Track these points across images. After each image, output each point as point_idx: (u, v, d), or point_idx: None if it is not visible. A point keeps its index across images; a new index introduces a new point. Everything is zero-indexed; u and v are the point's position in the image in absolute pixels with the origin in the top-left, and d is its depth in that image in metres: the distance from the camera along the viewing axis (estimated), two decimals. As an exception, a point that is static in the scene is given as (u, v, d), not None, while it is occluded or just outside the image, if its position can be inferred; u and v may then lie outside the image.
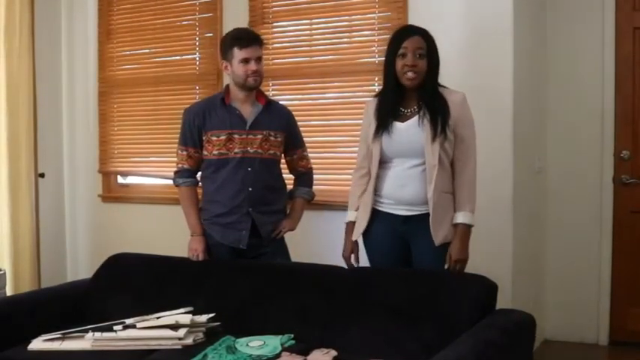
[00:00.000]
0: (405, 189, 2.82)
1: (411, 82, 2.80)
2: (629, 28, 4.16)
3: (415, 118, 2.80)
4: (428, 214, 2.77)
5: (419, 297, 2.68)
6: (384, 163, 2.88)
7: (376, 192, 2.91)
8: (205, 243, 3.24)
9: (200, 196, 3.32)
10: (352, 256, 2.99)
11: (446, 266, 2.77)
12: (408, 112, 2.84)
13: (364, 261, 3.03)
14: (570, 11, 4.25)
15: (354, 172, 3.05)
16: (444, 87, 2.87)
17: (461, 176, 2.81)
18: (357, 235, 2.97)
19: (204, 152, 3.21)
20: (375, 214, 2.92)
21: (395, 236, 2.89)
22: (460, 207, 2.79)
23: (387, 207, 2.89)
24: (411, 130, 2.80)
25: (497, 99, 3.68)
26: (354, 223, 2.99)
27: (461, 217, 2.77)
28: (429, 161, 2.75)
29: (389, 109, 2.86)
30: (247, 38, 3.12)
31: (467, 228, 2.79)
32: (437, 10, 3.78)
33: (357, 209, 2.98)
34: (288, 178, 3.44)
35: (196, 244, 3.22)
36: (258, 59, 3.12)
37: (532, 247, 4.15)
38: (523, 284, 3.92)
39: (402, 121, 2.83)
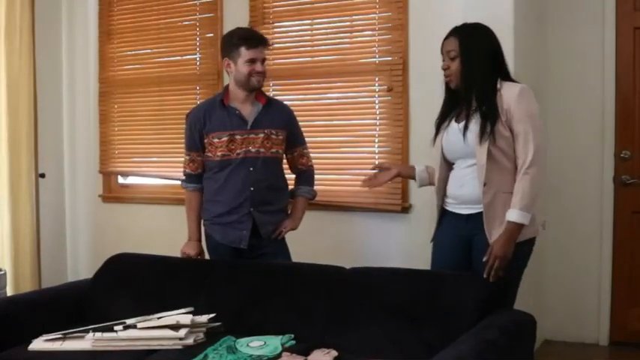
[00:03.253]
0: (463, 188, 2.81)
1: (451, 85, 2.83)
2: (629, 28, 4.16)
3: (470, 118, 2.77)
4: None
5: (420, 297, 2.68)
6: (449, 163, 2.89)
7: (444, 192, 2.91)
8: (199, 249, 3.26)
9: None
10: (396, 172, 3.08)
11: (484, 258, 2.66)
12: (464, 112, 2.81)
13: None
14: (571, 11, 4.25)
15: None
16: (509, 81, 2.80)
17: (518, 173, 2.70)
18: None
19: (208, 154, 3.21)
20: (443, 215, 2.93)
21: (458, 235, 2.86)
22: (512, 204, 2.68)
23: (452, 207, 2.88)
24: (461, 131, 2.78)
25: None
26: (413, 167, 3.12)
27: (508, 215, 2.67)
28: (479, 161, 2.72)
29: (442, 111, 2.90)
30: (256, 39, 3.14)
31: (515, 226, 2.65)
32: (437, 10, 3.79)
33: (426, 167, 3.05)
34: (290, 177, 3.43)
35: (189, 249, 3.25)
36: (263, 60, 3.15)
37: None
38: (523, 284, 3.91)
39: (459, 122, 2.82)
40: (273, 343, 2.65)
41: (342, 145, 4.14)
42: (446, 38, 2.85)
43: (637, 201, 4.18)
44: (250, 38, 3.13)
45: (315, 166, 3.45)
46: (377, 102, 4.03)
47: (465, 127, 2.76)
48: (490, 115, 2.69)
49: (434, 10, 3.79)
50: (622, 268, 4.21)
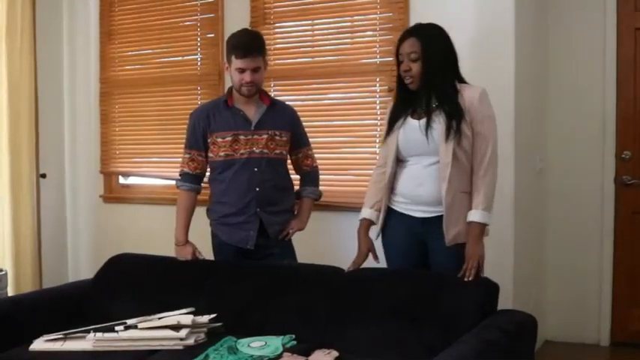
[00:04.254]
0: (422, 188, 2.80)
1: (411, 86, 2.82)
2: (630, 28, 4.16)
3: (431, 116, 2.77)
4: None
5: (421, 298, 2.67)
6: (401, 161, 2.88)
7: (392, 190, 2.90)
8: (193, 248, 3.24)
9: (208, 198, 3.32)
10: (370, 254, 2.96)
11: (460, 274, 2.69)
12: (423, 110, 2.81)
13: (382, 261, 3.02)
14: (572, 12, 4.25)
15: (375, 169, 3.04)
16: (464, 83, 2.84)
17: (477, 173, 2.75)
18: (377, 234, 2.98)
19: (210, 154, 3.20)
20: (391, 213, 2.92)
21: (412, 238, 2.87)
22: (474, 205, 2.73)
23: (403, 207, 2.87)
24: (424, 128, 2.77)
25: (499, 100, 3.66)
26: (368, 220, 2.97)
27: (472, 216, 2.72)
28: (443, 159, 2.72)
29: (395, 110, 2.89)
30: (244, 49, 3.05)
31: (479, 226, 2.72)
32: (438, 10, 3.78)
33: (372, 207, 2.96)
34: (295, 178, 3.43)
35: (185, 254, 3.23)
36: (256, 69, 3.08)
37: (533, 248, 4.15)
38: (524, 285, 3.92)
39: (417, 119, 2.82)
40: (274, 343, 2.66)
41: (342, 146, 4.13)
42: (404, 40, 2.83)
43: (638, 201, 4.19)
44: (238, 48, 3.06)
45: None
46: (378, 103, 4.03)
47: (428, 125, 2.75)
48: (455, 114, 2.71)
49: (434, 10, 3.78)
50: (623, 268, 4.21)
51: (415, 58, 2.77)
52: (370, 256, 2.99)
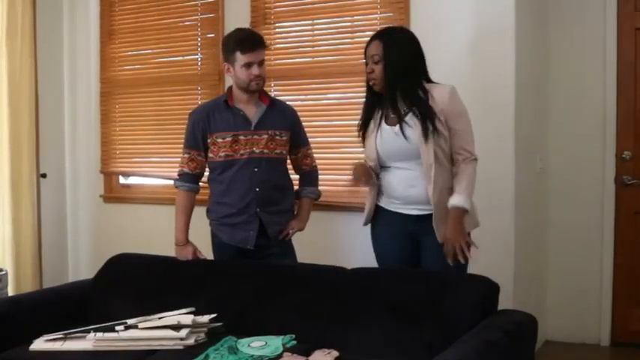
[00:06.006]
0: (413, 189, 2.82)
1: (375, 88, 2.85)
2: (630, 28, 4.16)
3: (404, 121, 2.79)
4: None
5: (421, 297, 2.67)
6: (385, 167, 2.90)
7: (379, 192, 2.93)
8: (193, 247, 3.25)
9: (207, 198, 3.32)
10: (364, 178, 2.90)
11: (444, 250, 2.73)
12: (394, 115, 2.83)
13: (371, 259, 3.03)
14: (572, 12, 4.25)
15: None
16: (432, 82, 2.85)
17: (458, 167, 2.79)
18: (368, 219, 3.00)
19: (210, 155, 3.20)
20: (380, 212, 2.94)
21: (405, 236, 2.89)
22: (455, 190, 2.76)
23: (395, 207, 2.89)
24: (400, 134, 2.79)
25: (499, 99, 3.68)
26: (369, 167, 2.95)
27: (452, 199, 2.74)
28: (425, 160, 2.75)
29: (365, 114, 2.93)
30: (250, 42, 3.07)
31: (460, 211, 2.73)
32: (438, 10, 3.79)
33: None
34: (294, 178, 3.43)
35: (186, 254, 3.23)
36: (261, 63, 3.10)
37: (534, 248, 4.15)
38: (525, 285, 3.92)
39: (392, 125, 2.84)
40: (274, 343, 2.66)
41: (342, 146, 4.13)
42: (369, 42, 2.87)
43: (638, 201, 4.19)
44: (244, 42, 3.07)
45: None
46: (378, 102, 4.03)
47: (402, 130, 2.77)
48: (428, 115, 2.73)
49: (435, 10, 3.79)
50: (623, 268, 4.21)
51: (377, 60, 2.80)
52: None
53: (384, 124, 2.87)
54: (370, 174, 2.92)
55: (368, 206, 3.00)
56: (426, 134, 2.73)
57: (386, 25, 2.92)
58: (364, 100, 2.97)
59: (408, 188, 2.83)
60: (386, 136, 2.85)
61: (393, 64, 2.78)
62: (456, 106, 2.80)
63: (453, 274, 2.77)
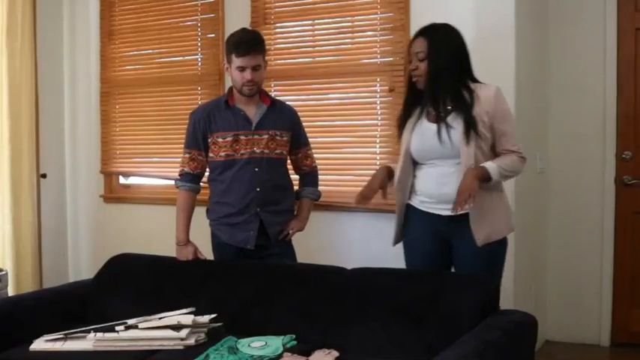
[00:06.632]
0: (446, 187, 2.76)
1: (418, 85, 2.82)
2: (631, 28, 4.17)
3: (446, 120, 2.75)
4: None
5: (421, 297, 2.67)
6: (418, 164, 2.87)
7: (412, 190, 2.89)
8: (194, 247, 3.24)
9: (207, 198, 3.32)
10: (381, 191, 2.86)
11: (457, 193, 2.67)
12: (436, 112, 2.79)
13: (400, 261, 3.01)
14: (572, 12, 4.25)
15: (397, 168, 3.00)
16: (478, 82, 2.82)
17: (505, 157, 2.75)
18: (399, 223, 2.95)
19: (211, 154, 3.20)
20: (412, 213, 2.90)
21: (436, 237, 2.85)
22: (497, 160, 2.72)
23: (427, 206, 2.85)
24: (440, 133, 2.76)
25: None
26: (388, 167, 2.92)
27: (487, 163, 2.69)
28: (465, 162, 2.70)
29: (405, 110, 2.90)
30: (245, 46, 3.04)
31: (485, 172, 2.66)
32: (438, 10, 3.78)
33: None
34: (294, 178, 3.44)
35: (186, 254, 3.23)
36: (256, 67, 3.07)
37: (534, 248, 4.15)
38: (525, 285, 3.92)
39: (432, 122, 2.80)
40: (274, 343, 2.66)
41: (343, 146, 4.13)
42: (414, 39, 2.85)
43: (638, 201, 4.19)
44: (238, 46, 3.05)
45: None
46: (378, 103, 4.03)
47: (440, 128, 2.74)
48: (471, 118, 2.70)
49: (435, 10, 3.78)
50: (623, 268, 4.21)
51: (422, 57, 2.78)
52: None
53: (424, 121, 2.84)
54: (386, 182, 2.89)
55: (396, 226, 2.95)
56: (468, 137, 2.69)
57: (431, 23, 2.87)
58: (404, 96, 2.95)
59: (440, 186, 2.79)
60: (424, 133, 2.81)
61: (437, 62, 2.76)
62: (501, 108, 2.77)
63: (471, 276, 2.75)
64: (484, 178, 2.67)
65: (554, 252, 4.34)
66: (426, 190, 2.84)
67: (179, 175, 3.30)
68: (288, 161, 3.36)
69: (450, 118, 2.75)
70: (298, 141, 3.33)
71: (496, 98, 2.75)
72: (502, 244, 2.83)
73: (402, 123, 2.91)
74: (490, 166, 2.69)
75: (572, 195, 4.29)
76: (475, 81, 2.83)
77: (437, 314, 2.60)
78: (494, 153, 2.79)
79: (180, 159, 3.32)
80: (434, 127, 2.78)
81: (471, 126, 2.69)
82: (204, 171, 3.29)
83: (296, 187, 3.41)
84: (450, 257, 2.87)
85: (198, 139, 3.21)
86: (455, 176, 2.73)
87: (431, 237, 2.86)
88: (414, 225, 2.91)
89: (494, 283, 2.70)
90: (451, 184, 2.73)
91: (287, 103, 3.44)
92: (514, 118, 2.82)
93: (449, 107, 2.76)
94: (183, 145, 3.30)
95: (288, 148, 3.28)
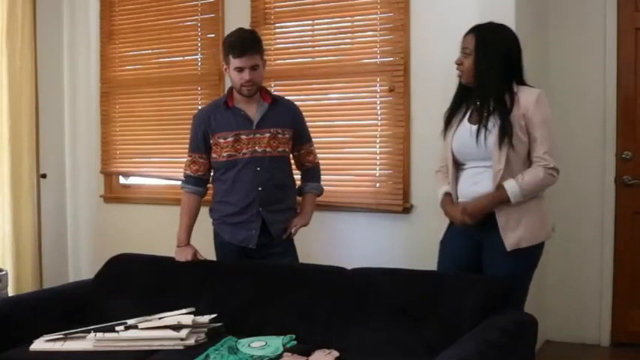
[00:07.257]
0: (477, 185, 2.77)
1: (461, 80, 2.84)
2: (631, 28, 4.16)
3: (484, 122, 2.74)
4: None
5: (421, 298, 2.68)
6: (459, 165, 2.87)
7: (454, 191, 2.88)
8: (193, 249, 3.24)
9: (210, 198, 3.33)
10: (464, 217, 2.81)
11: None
12: (477, 112, 2.79)
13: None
14: (572, 12, 4.25)
15: (437, 173, 3.01)
16: (523, 85, 2.81)
17: (538, 166, 2.74)
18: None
19: (214, 155, 3.20)
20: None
21: (467, 238, 2.84)
22: (517, 179, 2.69)
23: None
24: (475, 135, 2.75)
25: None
26: (449, 194, 2.90)
27: (507, 183, 2.68)
28: (495, 166, 2.71)
29: (452, 105, 2.90)
30: (241, 47, 3.04)
31: (503, 196, 2.67)
32: (438, 10, 3.79)
33: (447, 184, 2.91)
34: (296, 174, 3.43)
35: (185, 255, 3.22)
36: (254, 67, 3.07)
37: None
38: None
39: (473, 123, 2.80)
40: (274, 343, 2.66)
41: (343, 146, 4.13)
42: (466, 34, 2.85)
43: (638, 201, 4.18)
44: (235, 46, 3.05)
45: (317, 165, 3.45)
46: (378, 102, 4.03)
47: (480, 130, 2.73)
48: (507, 123, 2.68)
49: (435, 10, 3.79)
50: (623, 268, 4.21)
51: (468, 53, 2.79)
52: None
53: (466, 121, 2.84)
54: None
55: (446, 227, 2.95)
56: (501, 142, 2.68)
57: (484, 22, 2.88)
58: (455, 92, 2.93)
59: (472, 185, 2.79)
60: (464, 132, 2.81)
61: (482, 61, 2.76)
62: (539, 113, 2.73)
63: (478, 277, 2.76)
64: (497, 202, 2.69)
65: (554, 252, 4.33)
66: (461, 190, 2.85)
67: (183, 177, 3.30)
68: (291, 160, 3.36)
69: (489, 121, 2.74)
70: (301, 138, 3.32)
71: (536, 103, 2.73)
72: (535, 248, 2.79)
73: (447, 121, 2.91)
74: (511, 188, 2.68)
75: (572, 195, 4.29)
76: (522, 84, 2.81)
77: (437, 314, 2.60)
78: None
79: (182, 159, 3.32)
80: (474, 128, 2.77)
81: (505, 132, 2.68)
82: (208, 174, 3.29)
83: (298, 183, 3.41)
84: (479, 262, 2.84)
85: (199, 142, 3.21)
86: (485, 175, 2.74)
87: (461, 238, 2.86)
88: (450, 225, 2.92)
89: (494, 283, 2.70)
90: (482, 183, 2.75)
91: (289, 99, 3.42)
92: (552, 127, 2.77)
93: (490, 109, 2.75)
94: (185, 146, 3.31)
95: (291, 145, 3.27)
